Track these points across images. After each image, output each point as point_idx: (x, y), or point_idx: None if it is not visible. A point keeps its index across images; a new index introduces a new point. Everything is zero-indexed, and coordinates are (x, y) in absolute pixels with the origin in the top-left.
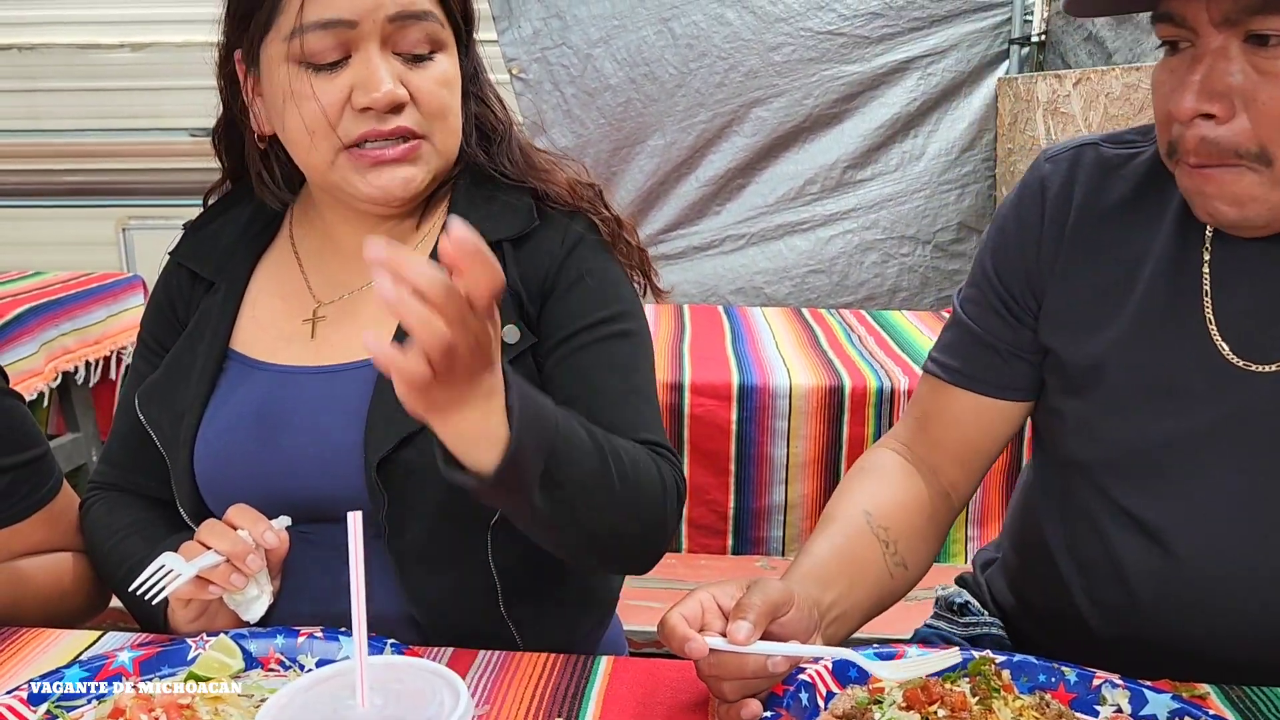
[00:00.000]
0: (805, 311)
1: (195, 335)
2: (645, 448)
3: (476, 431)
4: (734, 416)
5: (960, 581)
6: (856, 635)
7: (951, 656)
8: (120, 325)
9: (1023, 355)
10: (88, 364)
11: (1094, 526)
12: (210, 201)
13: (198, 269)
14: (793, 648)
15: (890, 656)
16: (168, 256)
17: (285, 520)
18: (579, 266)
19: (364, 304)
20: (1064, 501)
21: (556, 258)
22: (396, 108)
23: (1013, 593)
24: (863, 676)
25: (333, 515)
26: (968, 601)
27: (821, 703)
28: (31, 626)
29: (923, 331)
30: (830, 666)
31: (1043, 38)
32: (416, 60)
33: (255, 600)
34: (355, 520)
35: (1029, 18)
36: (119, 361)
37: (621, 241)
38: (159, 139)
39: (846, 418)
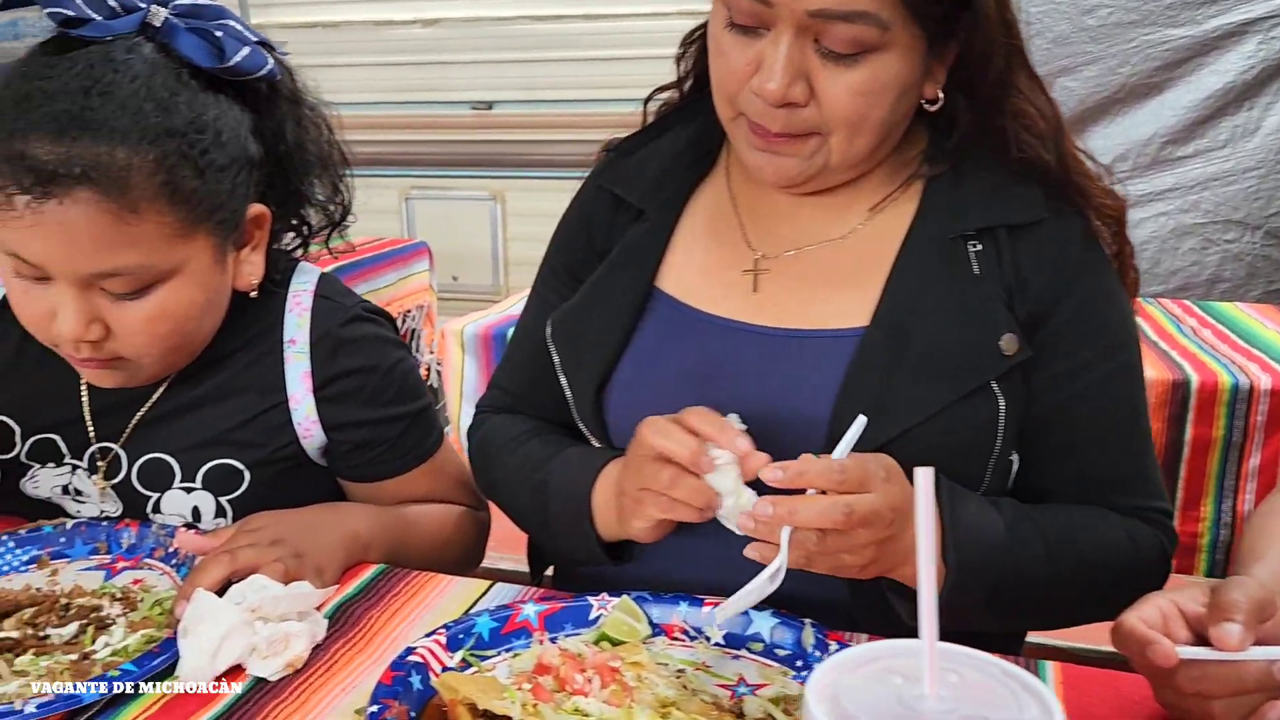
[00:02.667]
0: None
1: (618, 266)
2: (1133, 521)
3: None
4: None
5: None
6: None
7: None
8: (407, 289)
9: None
10: None
11: None
12: (649, 105)
13: (624, 194)
14: None
15: None
16: (589, 179)
17: (738, 420)
18: (1088, 282)
19: (810, 264)
20: None
21: (1065, 263)
22: (788, 105)
23: None
24: None
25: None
26: None
27: None
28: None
29: (1267, 326)
30: None
31: None
32: (839, 59)
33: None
34: (926, 476)
35: None
36: (404, 325)
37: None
38: (443, 112)
39: (1191, 416)
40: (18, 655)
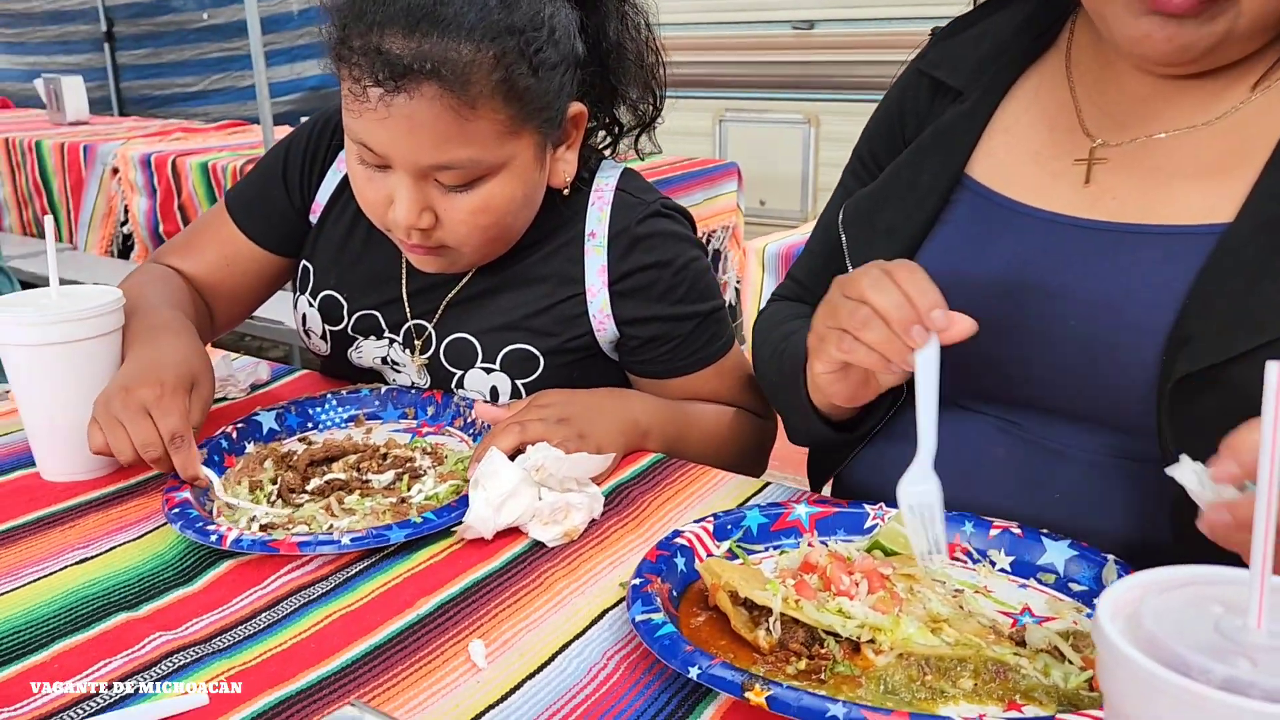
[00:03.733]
0: None
1: (926, 148)
2: None
3: None
4: None
5: None
6: None
7: None
8: (714, 209)
9: None
10: None
11: None
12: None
13: (945, 77)
14: None
15: None
16: (910, 64)
17: None
18: None
19: (1162, 153)
20: None
21: None
22: None
23: None
24: None
25: (1062, 406)
26: None
27: None
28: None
29: None
30: None
31: None
32: None
33: None
34: (1277, 371)
35: None
36: (709, 245)
37: None
38: (761, 32)
39: None
40: (347, 495)
